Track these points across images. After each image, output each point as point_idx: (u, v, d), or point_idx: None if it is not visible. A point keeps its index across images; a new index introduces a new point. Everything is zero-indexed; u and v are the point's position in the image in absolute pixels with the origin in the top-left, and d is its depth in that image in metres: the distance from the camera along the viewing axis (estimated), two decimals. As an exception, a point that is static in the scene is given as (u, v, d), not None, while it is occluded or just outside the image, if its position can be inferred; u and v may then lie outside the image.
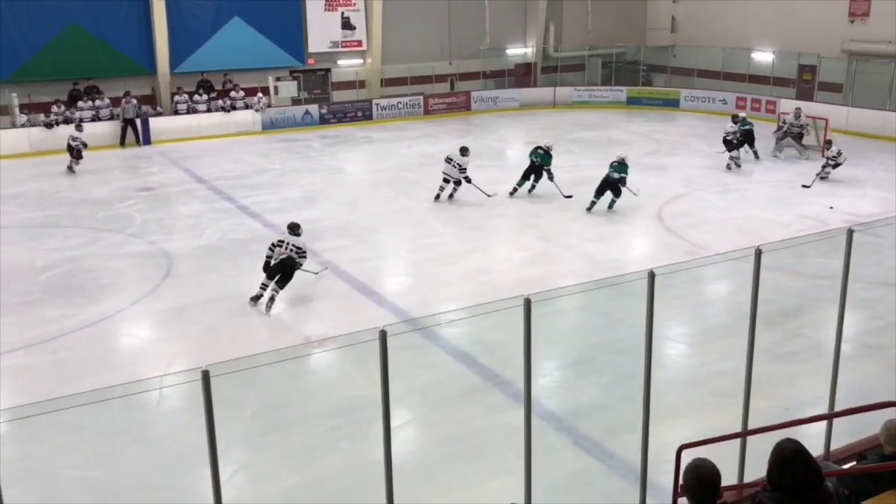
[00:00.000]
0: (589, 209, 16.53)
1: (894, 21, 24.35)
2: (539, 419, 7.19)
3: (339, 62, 29.01)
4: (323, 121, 27.36)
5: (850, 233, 6.51)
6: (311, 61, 28.41)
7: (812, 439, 6.20)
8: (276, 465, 7.91)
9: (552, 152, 18.07)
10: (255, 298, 11.74)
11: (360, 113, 28.04)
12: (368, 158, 23.57)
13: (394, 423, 5.10)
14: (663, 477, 6.15)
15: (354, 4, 28.77)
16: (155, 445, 8.26)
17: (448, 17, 30.02)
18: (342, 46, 28.93)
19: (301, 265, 11.99)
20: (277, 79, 27.37)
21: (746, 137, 20.64)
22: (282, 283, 11.72)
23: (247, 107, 26.33)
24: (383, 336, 4.75)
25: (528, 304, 5.19)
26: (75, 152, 20.66)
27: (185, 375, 8.41)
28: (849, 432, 6.68)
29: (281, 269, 11.70)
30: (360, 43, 29.15)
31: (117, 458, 8.00)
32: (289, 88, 27.58)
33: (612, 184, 16.46)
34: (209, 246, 14.76)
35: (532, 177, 18.00)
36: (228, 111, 26.00)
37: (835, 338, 6.72)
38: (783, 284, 11.65)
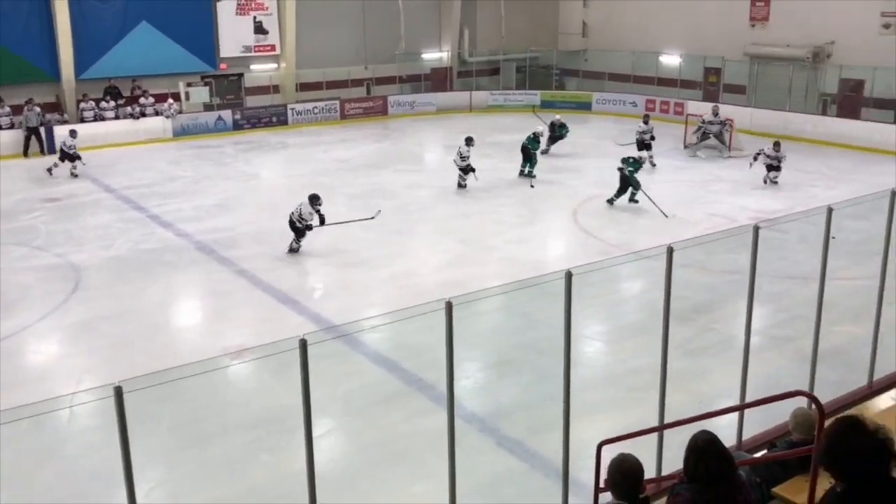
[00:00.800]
0: (610, 202, 17.42)
1: (792, 25, 25.46)
2: (462, 421, 7.22)
3: (253, 67, 28.55)
4: (237, 126, 26.86)
5: (756, 229, 6.76)
6: (222, 66, 27.83)
7: (725, 430, 6.39)
8: (196, 480, 7.71)
9: (541, 138, 19.48)
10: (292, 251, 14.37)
11: (274, 118, 27.65)
12: (284, 164, 23.25)
13: (316, 432, 5.04)
14: (584, 473, 6.24)
15: (267, 8, 28.36)
16: (67, 465, 7.94)
17: (363, 21, 29.91)
18: (255, 51, 28.48)
19: (299, 225, 14.23)
20: (188, 84, 26.74)
21: (554, 141, 22.45)
22: (297, 236, 14.36)
23: (157, 113, 25.61)
24: (303, 345, 4.68)
25: (449, 307, 5.20)
26: (70, 157, 20.45)
27: (96, 392, 8.12)
28: (759, 422, 6.93)
29: (290, 226, 14.32)
30: (273, 47, 28.75)
31: (27, 481, 7.65)
32: (200, 94, 26.95)
33: (626, 178, 17.29)
34: (119, 257, 14.29)
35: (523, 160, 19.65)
36: (137, 118, 25.23)
37: (744, 331, 6.96)
38: (694, 281, 12.01)
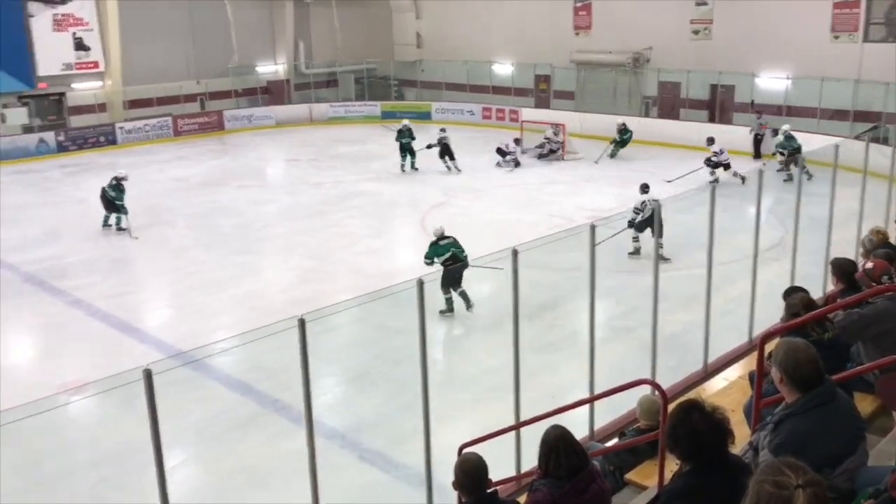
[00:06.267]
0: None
1: (613, 32, 26.91)
2: (323, 438, 7.11)
3: (75, 85, 26.99)
4: (61, 149, 25.29)
5: (593, 228, 7.09)
6: (42, 85, 26.13)
7: (577, 422, 6.66)
8: (38, 530, 7.18)
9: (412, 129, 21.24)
10: None
11: (102, 138, 26.26)
12: (126, 184, 22.03)
13: (168, 464, 4.82)
14: (448, 478, 6.29)
15: (87, 24, 26.88)
16: None
17: (192, 35, 28.96)
18: (77, 68, 26.94)
19: None
20: (4, 105, 24.94)
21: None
22: None
23: (-30, 138, 23.74)
24: (148, 375, 4.47)
25: (302, 324, 5.12)
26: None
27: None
28: (609, 411, 7.24)
29: None
30: (96, 64, 27.30)
31: None
32: (18, 115, 25.21)
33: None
34: (-65, 295, 13.10)
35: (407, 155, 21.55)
36: (-53, 143, 23.29)
37: (588, 325, 7.26)
38: (539, 280, 12.37)
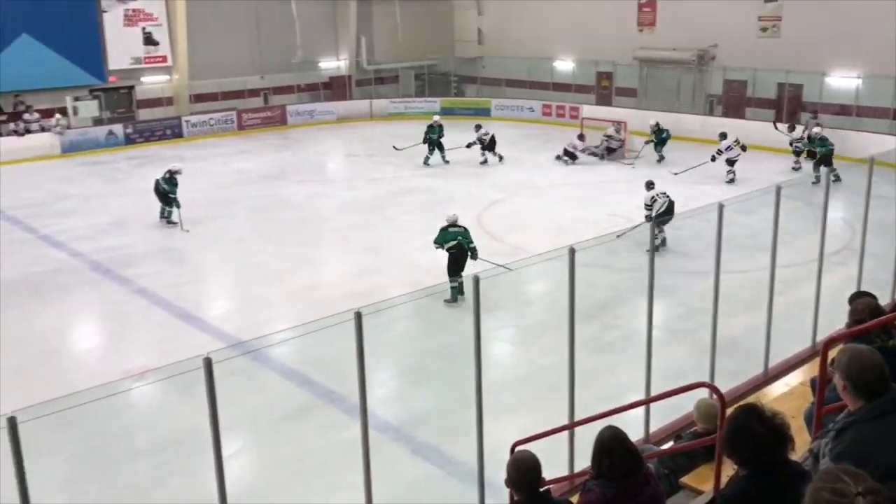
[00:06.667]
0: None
1: (678, 29, 26.47)
2: (376, 431, 7.17)
3: (144, 79, 27.69)
4: (129, 141, 25.97)
5: (652, 226, 7.01)
6: (112, 79, 26.89)
7: (633, 424, 6.59)
8: (101, 511, 7.40)
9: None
10: None
11: (169, 131, 26.88)
12: (181, 178, 22.56)
13: (226, 451, 4.92)
14: (500, 475, 6.26)
15: (156, 19, 27.55)
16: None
17: (257, 31, 29.42)
18: (145, 62, 27.62)
19: None
20: (76, 98, 25.71)
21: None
22: None
23: (43, 129, 24.53)
24: (208, 363, 4.56)
25: (358, 317, 5.17)
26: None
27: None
28: (665, 414, 7.15)
29: None
30: (164, 58, 27.96)
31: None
32: (89, 108, 25.94)
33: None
34: (8, 281, 13.57)
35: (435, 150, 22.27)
36: (22, 135, 24.09)
37: (646, 326, 7.17)
38: (597, 279, 12.28)
